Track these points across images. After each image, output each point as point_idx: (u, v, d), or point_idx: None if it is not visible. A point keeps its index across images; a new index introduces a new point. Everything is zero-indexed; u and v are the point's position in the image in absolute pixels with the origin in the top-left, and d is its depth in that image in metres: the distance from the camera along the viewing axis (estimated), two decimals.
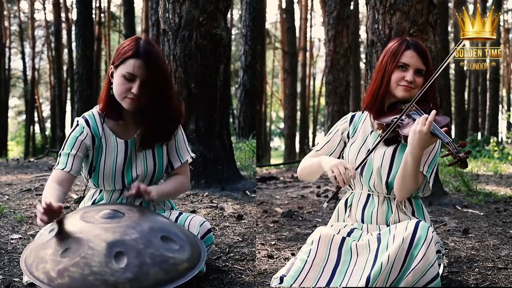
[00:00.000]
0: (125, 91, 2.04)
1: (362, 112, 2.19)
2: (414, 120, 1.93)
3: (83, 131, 2.13)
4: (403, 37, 2.12)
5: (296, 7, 20.78)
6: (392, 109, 2.07)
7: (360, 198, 2.10)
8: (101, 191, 2.24)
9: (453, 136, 15.39)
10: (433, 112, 1.88)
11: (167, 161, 2.26)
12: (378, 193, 2.06)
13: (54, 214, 1.77)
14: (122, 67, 2.04)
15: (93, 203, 2.23)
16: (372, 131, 2.11)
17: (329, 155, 2.17)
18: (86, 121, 2.15)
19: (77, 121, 2.16)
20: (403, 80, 2.04)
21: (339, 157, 2.17)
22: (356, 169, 2.01)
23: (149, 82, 2.04)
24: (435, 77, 2.01)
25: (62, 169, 2.06)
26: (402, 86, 2.04)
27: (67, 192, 2.14)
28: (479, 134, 15.61)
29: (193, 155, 2.33)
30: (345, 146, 2.16)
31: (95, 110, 2.19)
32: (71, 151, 2.09)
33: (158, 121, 2.14)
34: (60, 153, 2.11)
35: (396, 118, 1.98)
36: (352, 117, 2.20)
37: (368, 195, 2.09)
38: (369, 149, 2.04)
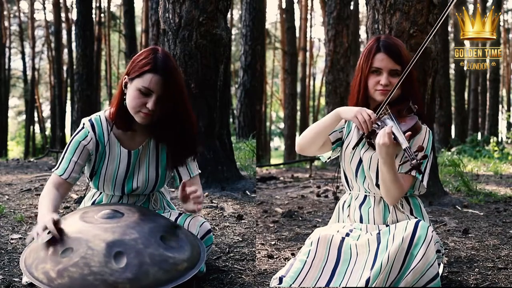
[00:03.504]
0: (140, 106, 1.99)
1: None
2: (387, 126, 1.91)
3: (87, 136, 2.09)
4: (378, 36, 2.09)
5: (296, 7, 20.80)
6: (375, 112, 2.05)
7: (358, 198, 2.11)
8: (101, 192, 2.24)
9: (453, 136, 15.41)
10: (390, 125, 1.88)
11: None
12: (374, 193, 2.07)
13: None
14: (139, 80, 1.97)
15: (93, 203, 2.24)
16: None
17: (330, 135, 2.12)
18: (92, 126, 2.11)
19: (83, 123, 2.12)
20: (379, 85, 2.03)
21: (338, 146, 2.15)
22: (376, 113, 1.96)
23: (165, 98, 1.99)
24: (401, 80, 1.97)
25: (60, 175, 2.08)
26: (378, 90, 2.03)
27: (65, 196, 2.16)
28: (479, 134, 15.61)
29: (199, 171, 2.28)
30: (341, 138, 2.14)
31: (104, 114, 2.14)
32: (72, 156, 2.08)
33: (181, 137, 2.11)
34: (63, 156, 2.10)
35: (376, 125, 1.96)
36: None
37: (365, 196, 2.09)
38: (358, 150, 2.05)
